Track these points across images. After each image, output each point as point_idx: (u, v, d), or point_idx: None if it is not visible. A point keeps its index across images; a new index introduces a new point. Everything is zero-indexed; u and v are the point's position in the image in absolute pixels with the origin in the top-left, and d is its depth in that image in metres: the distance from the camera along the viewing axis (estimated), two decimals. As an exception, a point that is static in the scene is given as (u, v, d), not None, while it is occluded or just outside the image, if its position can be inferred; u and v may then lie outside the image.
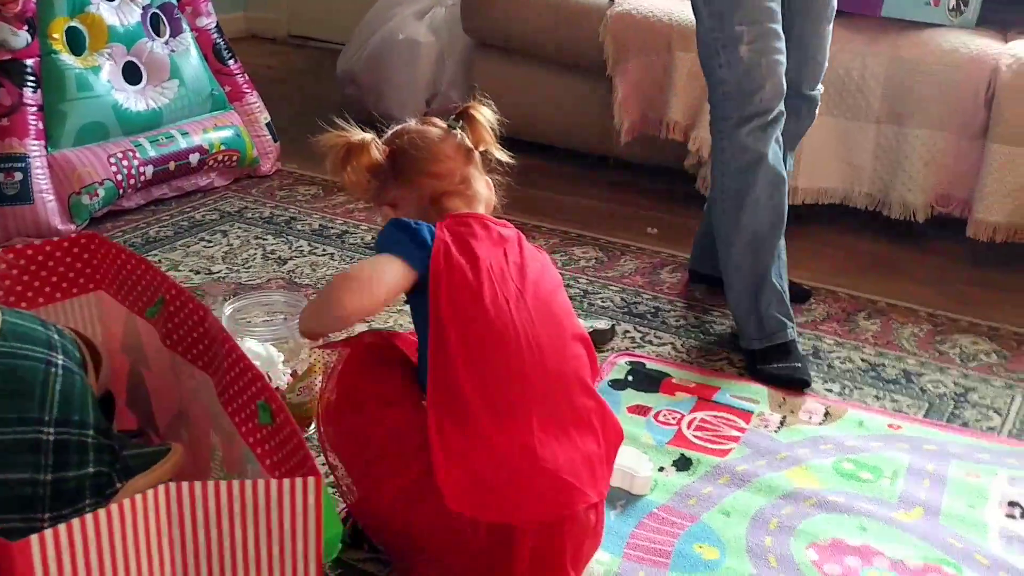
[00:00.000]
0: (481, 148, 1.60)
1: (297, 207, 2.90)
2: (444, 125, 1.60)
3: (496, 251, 1.48)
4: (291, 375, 1.84)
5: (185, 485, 1.03)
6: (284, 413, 1.18)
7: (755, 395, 2.02)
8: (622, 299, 2.42)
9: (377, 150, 1.54)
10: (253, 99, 3.14)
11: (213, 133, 2.96)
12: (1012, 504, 1.73)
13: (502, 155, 1.62)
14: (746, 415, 1.96)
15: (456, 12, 3.42)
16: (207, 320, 1.40)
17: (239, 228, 2.74)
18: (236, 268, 2.50)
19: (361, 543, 1.56)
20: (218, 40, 3.12)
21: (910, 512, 1.70)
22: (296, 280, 2.44)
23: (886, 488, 1.76)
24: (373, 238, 2.66)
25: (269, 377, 1.83)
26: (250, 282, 2.41)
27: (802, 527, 1.65)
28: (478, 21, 3.32)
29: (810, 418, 1.96)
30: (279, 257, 2.57)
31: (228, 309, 1.99)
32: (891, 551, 1.61)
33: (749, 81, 2.01)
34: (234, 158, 3.01)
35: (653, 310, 2.38)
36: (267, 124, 3.14)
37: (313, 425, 1.85)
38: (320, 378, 1.87)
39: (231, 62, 3.13)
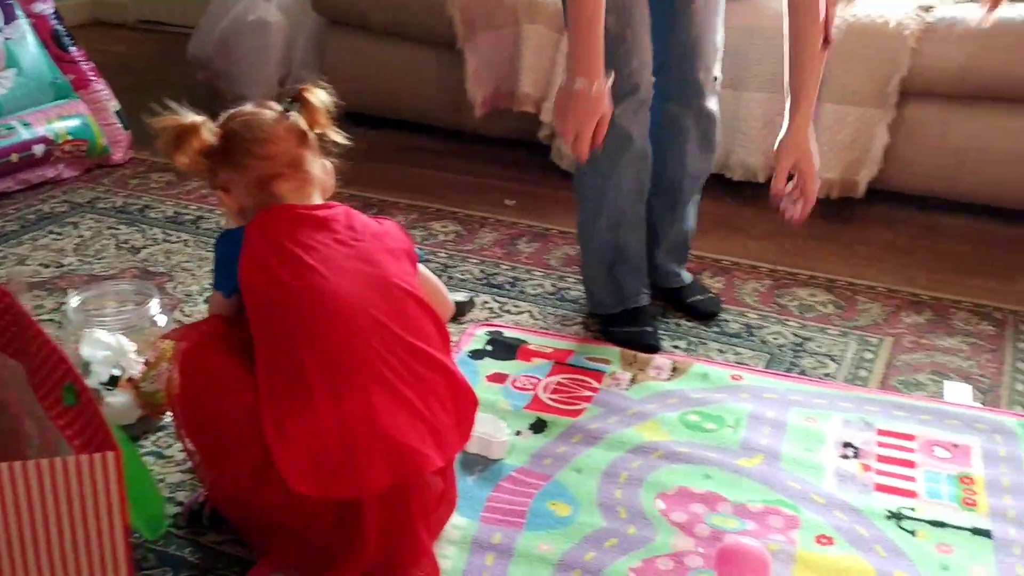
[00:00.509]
0: (316, 130, 1.60)
1: (151, 195, 2.86)
2: (279, 108, 1.60)
3: (315, 235, 1.50)
4: (144, 364, 1.83)
5: None
6: (87, 394, 1.19)
7: (607, 356, 2.09)
8: (481, 271, 2.47)
9: (208, 132, 1.55)
10: (100, 87, 3.08)
11: (58, 123, 2.90)
12: (846, 445, 1.83)
13: (338, 137, 1.63)
14: (599, 375, 2.02)
15: (306, -11, 3.41)
16: (14, 307, 1.39)
17: (90, 219, 2.69)
18: (88, 260, 2.46)
19: (221, 526, 1.57)
20: (57, 27, 3.05)
21: (752, 458, 1.78)
22: (151, 269, 2.42)
23: (729, 437, 1.84)
24: (227, 223, 2.66)
25: (122, 367, 1.84)
26: (103, 273, 2.38)
27: (650, 479, 1.72)
28: (326, -2, 3.31)
29: (658, 374, 2.03)
30: (132, 246, 2.54)
31: (74, 300, 1.97)
32: (734, 496, 1.68)
33: (616, 54, 1.95)
34: (82, 148, 2.96)
35: (511, 280, 2.43)
36: (117, 112, 3.08)
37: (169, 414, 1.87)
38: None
39: (73, 49, 3.07)
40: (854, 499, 1.69)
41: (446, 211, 2.81)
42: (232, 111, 1.61)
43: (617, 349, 2.11)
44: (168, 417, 1.84)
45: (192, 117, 1.55)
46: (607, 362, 2.07)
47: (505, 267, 2.49)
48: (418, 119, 3.34)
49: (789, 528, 1.61)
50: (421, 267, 1.64)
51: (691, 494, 1.69)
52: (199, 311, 2.21)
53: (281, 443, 1.37)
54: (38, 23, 2.99)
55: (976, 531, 1.62)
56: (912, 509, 1.67)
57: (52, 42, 3.02)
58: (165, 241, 2.58)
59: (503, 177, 3.07)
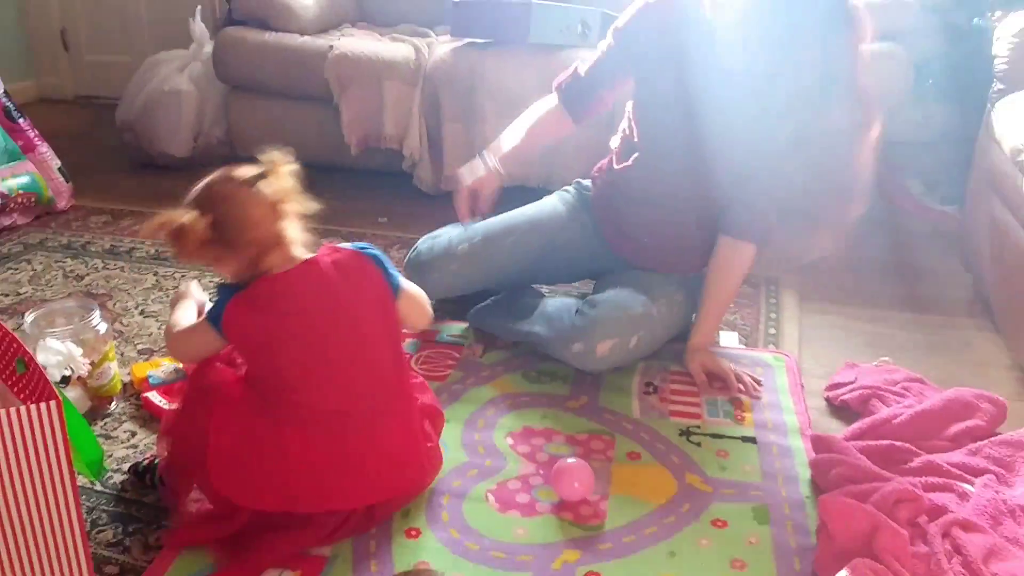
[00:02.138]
0: (286, 203, 1.38)
1: (90, 233, 2.72)
2: (251, 181, 1.35)
3: (288, 304, 1.37)
4: (90, 364, 1.76)
5: None
6: (34, 363, 1.14)
7: (464, 333, 2.08)
8: (363, 274, 2.42)
9: (201, 225, 1.33)
10: (44, 149, 2.94)
11: (11, 180, 2.76)
12: (647, 384, 1.86)
13: (303, 206, 1.40)
14: (459, 348, 2.01)
15: (210, 64, 3.31)
16: None
17: (41, 256, 2.54)
18: (41, 288, 2.33)
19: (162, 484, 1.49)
20: (7, 103, 2.90)
21: (578, 400, 1.80)
22: (92, 292, 2.30)
23: (561, 386, 1.85)
24: (157, 251, 2.56)
25: (71, 368, 1.75)
26: (53, 298, 2.25)
27: (501, 422, 1.72)
28: (227, 69, 3.22)
29: (505, 345, 2.02)
30: (77, 275, 2.41)
31: (29, 317, 1.87)
32: (565, 429, 1.70)
33: None
34: (32, 199, 2.81)
35: (387, 280, 2.39)
36: (59, 169, 2.93)
37: (114, 403, 1.79)
38: (115, 364, 1.80)
39: (21, 120, 2.92)
40: (655, 423, 1.72)
41: (332, 230, 2.74)
42: (206, 189, 1.37)
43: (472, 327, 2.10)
44: (114, 406, 1.77)
45: (181, 216, 1.33)
46: (464, 337, 2.06)
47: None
48: (306, 160, 3.25)
49: (607, 449, 1.64)
50: (404, 287, 1.46)
51: (532, 431, 1.69)
52: (135, 322, 2.12)
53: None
54: (-9, 102, 2.85)
55: (745, 439, 1.67)
56: (698, 427, 1.71)
57: (3, 115, 2.87)
58: (104, 269, 2.45)
59: (376, 200, 3.03)
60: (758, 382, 1.85)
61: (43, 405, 1.03)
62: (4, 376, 1.22)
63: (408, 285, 1.48)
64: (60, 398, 1.05)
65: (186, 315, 1.52)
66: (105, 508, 1.48)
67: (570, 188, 2.13)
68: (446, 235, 2.04)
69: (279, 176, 1.37)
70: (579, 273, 2.11)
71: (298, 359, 1.37)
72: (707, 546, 1.40)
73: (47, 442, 1.04)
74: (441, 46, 2.99)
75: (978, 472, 1.51)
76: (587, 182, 2.11)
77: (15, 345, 1.20)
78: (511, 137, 1.98)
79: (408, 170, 3.01)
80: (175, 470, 1.45)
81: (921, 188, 2.94)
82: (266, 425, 1.36)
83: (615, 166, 1.97)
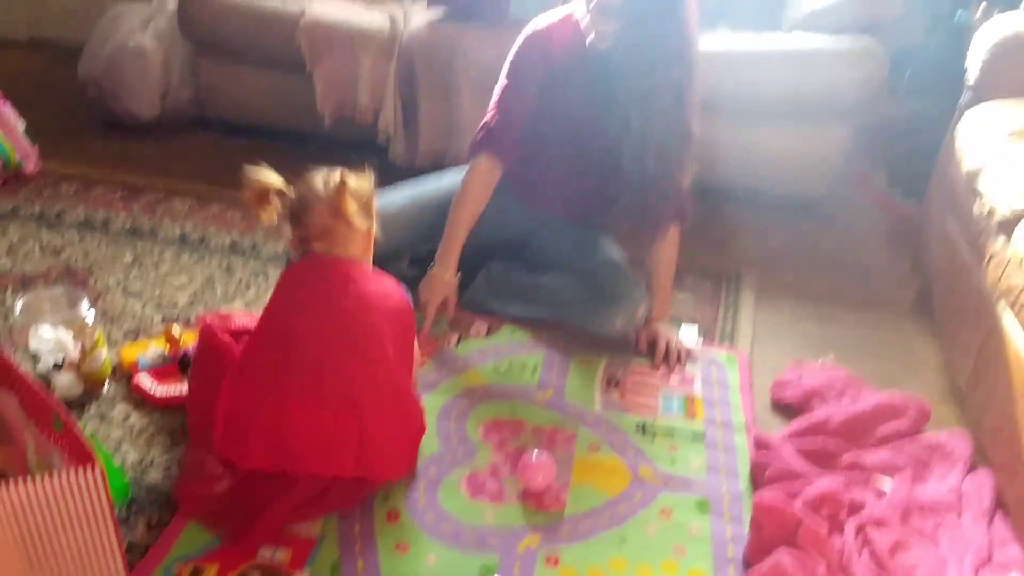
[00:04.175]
0: (347, 211, 1.71)
1: (63, 202, 2.89)
2: (331, 187, 1.72)
3: (308, 289, 1.74)
4: (81, 348, 1.96)
5: None
6: (69, 419, 1.38)
7: (441, 320, 2.33)
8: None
9: (279, 198, 1.74)
10: (7, 110, 3.07)
11: (-25, 144, 2.92)
12: (610, 379, 2.16)
13: (358, 221, 1.73)
14: (434, 339, 2.26)
15: (175, 19, 3.40)
16: (2, 353, 1.59)
17: (15, 226, 2.71)
18: (19, 261, 2.51)
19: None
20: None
21: (545, 393, 2.09)
22: (72, 265, 2.50)
23: (529, 378, 2.13)
24: (132, 226, 2.75)
25: (64, 354, 1.95)
26: (33, 272, 2.45)
27: (472, 413, 2.00)
28: (193, 28, 3.34)
29: (478, 334, 2.30)
30: (54, 248, 2.60)
31: (19, 304, 2.06)
32: (532, 421, 1.99)
33: None
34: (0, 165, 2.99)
35: (361, 260, 2.63)
36: (24, 131, 3.08)
37: (107, 386, 2.02)
38: (105, 350, 2.03)
39: (-19, 79, 3.06)
40: (614, 418, 2.02)
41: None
42: (304, 181, 1.77)
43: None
44: (106, 389, 2.02)
45: (272, 182, 1.74)
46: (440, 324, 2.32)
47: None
48: (279, 128, 3.40)
49: (570, 441, 1.94)
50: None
51: (502, 422, 1.97)
52: (119, 302, 2.34)
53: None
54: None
55: (695, 434, 1.99)
56: (653, 422, 2.02)
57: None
58: (81, 242, 2.63)
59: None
60: (688, 354, 2.25)
61: (85, 469, 1.26)
62: (41, 428, 1.45)
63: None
64: (97, 457, 1.29)
65: None
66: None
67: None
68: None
69: (348, 188, 1.71)
70: (504, 236, 2.42)
71: (291, 339, 1.69)
72: (654, 533, 1.72)
73: (94, 503, 1.28)
74: (417, 15, 3.17)
75: (898, 469, 1.85)
76: None
77: (49, 402, 1.42)
78: (453, 240, 2.24)
79: (383, 144, 3.21)
80: (189, 427, 1.82)
81: (885, 180, 3.24)
82: (273, 397, 1.67)
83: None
